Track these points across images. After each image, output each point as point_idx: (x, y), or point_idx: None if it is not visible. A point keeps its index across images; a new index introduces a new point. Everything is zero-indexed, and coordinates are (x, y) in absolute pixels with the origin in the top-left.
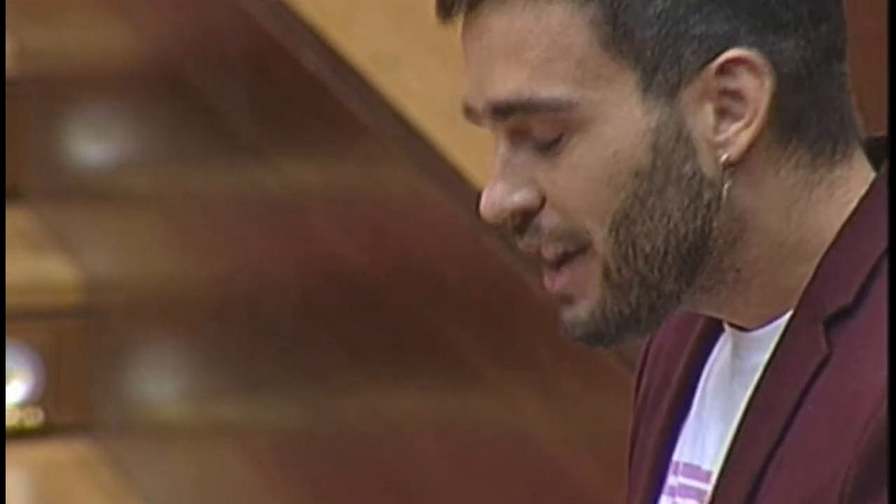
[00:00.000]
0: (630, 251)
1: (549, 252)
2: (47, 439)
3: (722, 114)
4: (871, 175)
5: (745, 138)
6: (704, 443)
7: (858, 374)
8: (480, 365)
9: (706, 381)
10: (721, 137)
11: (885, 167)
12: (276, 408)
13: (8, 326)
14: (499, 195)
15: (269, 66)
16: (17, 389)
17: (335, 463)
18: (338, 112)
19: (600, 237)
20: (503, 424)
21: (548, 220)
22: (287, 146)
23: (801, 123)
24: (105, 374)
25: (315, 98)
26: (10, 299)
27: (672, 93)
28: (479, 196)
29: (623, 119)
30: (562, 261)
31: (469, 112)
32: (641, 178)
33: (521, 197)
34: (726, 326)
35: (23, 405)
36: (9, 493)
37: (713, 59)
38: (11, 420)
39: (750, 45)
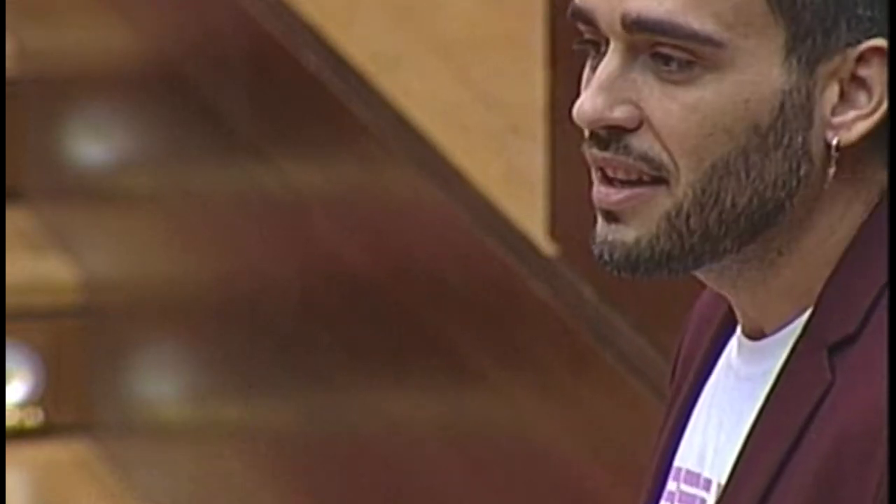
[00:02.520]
0: (711, 201)
1: (625, 172)
2: (47, 439)
3: (843, 97)
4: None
5: (861, 128)
6: (704, 450)
7: (863, 404)
8: (480, 365)
9: (711, 388)
10: (838, 120)
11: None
12: (276, 408)
13: (8, 326)
14: (601, 105)
15: (269, 66)
16: (17, 389)
17: (335, 463)
18: (338, 112)
19: (689, 179)
20: (503, 424)
21: (640, 142)
22: (287, 146)
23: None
24: (105, 374)
25: (315, 98)
26: (10, 299)
27: (813, 63)
28: (479, 196)
29: (761, 72)
30: (633, 182)
31: (581, 13)
32: (757, 133)
33: (622, 113)
34: (738, 331)
35: (23, 405)
36: (9, 493)
37: (861, 41)
38: (11, 420)
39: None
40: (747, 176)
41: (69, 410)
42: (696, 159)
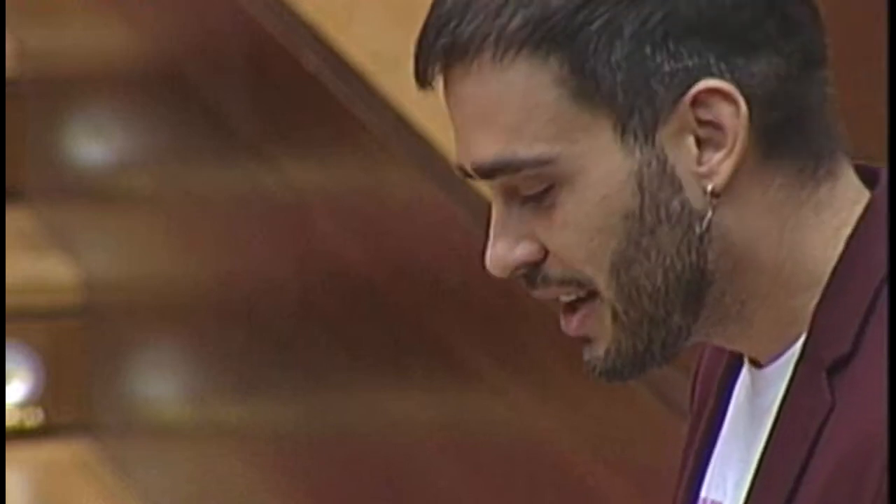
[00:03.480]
0: (633, 292)
1: (563, 297)
2: (47, 439)
3: (703, 144)
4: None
5: (727, 167)
6: (725, 480)
7: (859, 426)
8: (480, 365)
9: (731, 416)
10: (704, 168)
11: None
12: (275, 408)
13: (8, 326)
14: (501, 252)
15: (269, 66)
16: (17, 389)
17: (335, 463)
18: (338, 112)
19: (603, 283)
20: (503, 424)
21: (553, 269)
22: (287, 146)
23: (783, 141)
24: (105, 374)
25: (315, 98)
26: (10, 299)
27: (650, 132)
28: (479, 196)
29: (605, 166)
30: (575, 306)
31: (462, 170)
32: (632, 220)
33: (522, 251)
34: (745, 362)
35: (23, 405)
36: (9, 493)
37: (685, 92)
38: (11, 420)
39: (721, 73)
40: (648, 258)
41: (69, 410)
42: (597, 264)
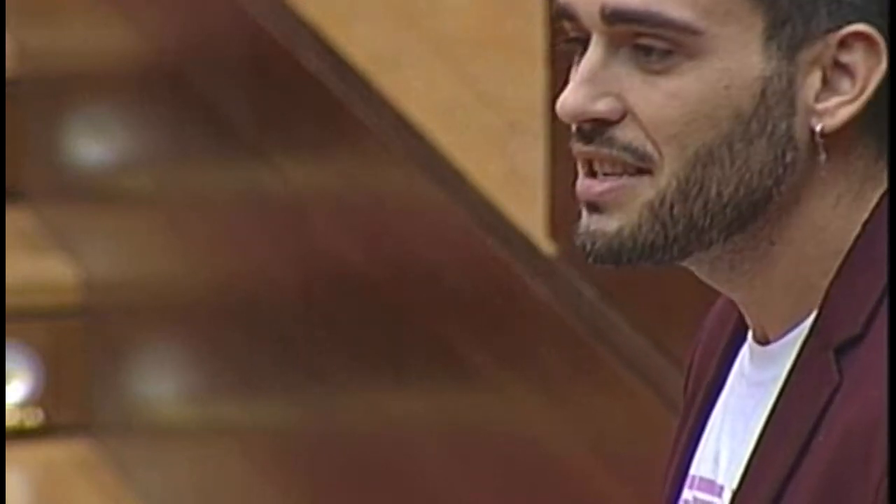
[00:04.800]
0: (695, 190)
1: (610, 164)
2: (47, 439)
3: (826, 84)
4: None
5: (845, 113)
6: (718, 456)
7: (866, 403)
8: (481, 365)
9: (725, 394)
10: (821, 106)
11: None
12: (276, 408)
13: (8, 326)
14: (583, 98)
15: (269, 66)
16: (17, 389)
17: (335, 463)
18: (338, 112)
19: (672, 168)
20: (504, 424)
21: (623, 133)
22: (287, 146)
23: (881, 117)
24: (105, 374)
25: (315, 98)
26: (10, 299)
27: (794, 49)
28: (479, 196)
29: (741, 59)
30: (617, 174)
31: (564, 11)
32: (739, 121)
33: (604, 105)
34: (749, 337)
35: (23, 405)
36: (9, 493)
37: (842, 26)
38: (11, 420)
39: (879, 26)
40: (732, 164)
41: (69, 410)
42: (679, 147)
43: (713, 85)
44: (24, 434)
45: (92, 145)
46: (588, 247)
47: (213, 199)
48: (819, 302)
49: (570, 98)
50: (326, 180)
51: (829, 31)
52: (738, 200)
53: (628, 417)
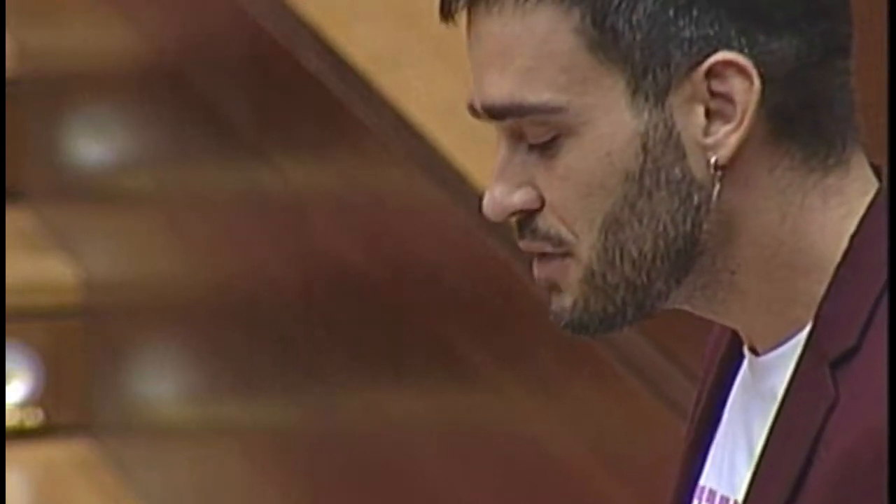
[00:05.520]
0: (617, 256)
1: (541, 252)
2: (47, 439)
3: (712, 115)
4: (869, 186)
5: (734, 140)
6: (721, 468)
7: (863, 418)
8: (480, 365)
9: (730, 404)
10: (711, 140)
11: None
12: (275, 408)
13: (8, 326)
14: (499, 195)
15: (269, 66)
16: (17, 389)
17: (335, 463)
18: (338, 112)
19: (588, 242)
20: (503, 424)
21: (544, 221)
22: (287, 146)
23: (794, 124)
24: (105, 374)
25: (315, 98)
26: (10, 299)
27: (661, 95)
28: (479, 196)
29: (612, 122)
30: (549, 259)
31: (472, 110)
32: (631, 181)
33: (519, 197)
34: (745, 349)
35: (23, 405)
36: (9, 493)
37: (702, 61)
38: (11, 420)
39: (740, 47)
40: (640, 222)
41: (69, 410)
42: (587, 222)
43: (595, 155)
44: (24, 434)
45: (92, 145)
46: (560, 324)
47: (213, 199)
48: (808, 314)
49: (490, 197)
50: (326, 180)
51: (692, 68)
52: (663, 252)
53: (628, 417)
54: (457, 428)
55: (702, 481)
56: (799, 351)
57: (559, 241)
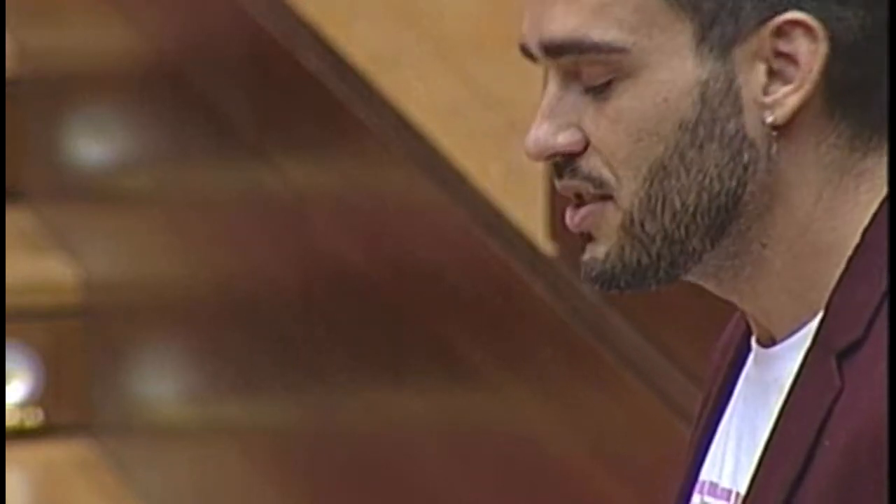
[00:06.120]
0: (659, 205)
1: (577, 195)
2: (47, 439)
3: (773, 75)
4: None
5: (793, 102)
6: (724, 460)
7: (868, 407)
8: (481, 365)
9: (734, 399)
10: (769, 99)
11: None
12: (276, 408)
13: (8, 326)
14: (543, 134)
15: (269, 66)
16: (17, 389)
17: (335, 463)
18: (338, 112)
19: (631, 188)
20: (503, 424)
21: (587, 163)
22: (287, 146)
23: (848, 98)
24: (105, 374)
25: (315, 98)
26: (10, 299)
27: (726, 48)
28: (479, 196)
29: (674, 69)
30: (587, 201)
31: (524, 50)
32: (685, 130)
33: (564, 138)
34: (753, 342)
35: (23, 405)
36: (9, 493)
37: (772, 17)
38: (11, 420)
39: (810, 10)
40: (687, 173)
41: (69, 410)
42: (633, 168)
43: (652, 100)
44: (24, 434)
45: (92, 145)
46: (590, 275)
47: (213, 199)
48: (822, 299)
49: (533, 136)
50: (326, 180)
51: (761, 23)
52: (705, 206)
53: (628, 417)
54: (457, 428)
55: (703, 475)
56: (808, 342)
57: (600, 183)
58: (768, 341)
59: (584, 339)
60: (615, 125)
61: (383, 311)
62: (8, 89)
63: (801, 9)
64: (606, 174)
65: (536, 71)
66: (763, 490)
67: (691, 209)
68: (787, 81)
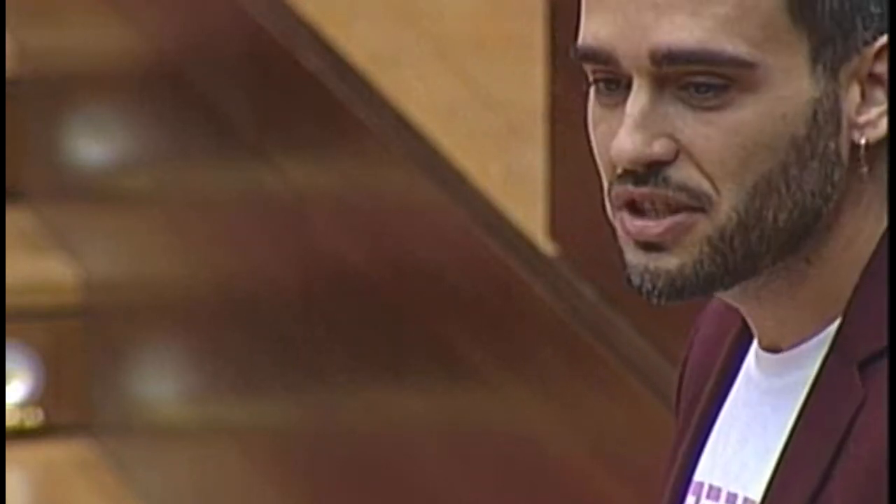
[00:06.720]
0: (754, 220)
1: (664, 204)
2: (47, 439)
3: (864, 97)
4: None
5: (886, 123)
6: (728, 464)
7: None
8: (481, 365)
9: (731, 402)
10: (863, 119)
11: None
12: (276, 408)
13: (8, 326)
14: (639, 145)
15: (269, 66)
16: (17, 389)
17: (335, 463)
18: (338, 112)
19: (732, 202)
20: (503, 424)
21: (678, 172)
22: (287, 146)
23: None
24: (105, 374)
25: (315, 98)
26: (10, 299)
27: (837, 66)
28: (479, 196)
29: (792, 86)
30: (673, 210)
31: (597, 54)
32: (795, 146)
33: (660, 147)
34: (755, 344)
35: (23, 405)
36: (9, 493)
37: (877, 38)
38: (11, 420)
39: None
40: (788, 189)
41: (69, 410)
42: (739, 181)
43: (771, 115)
44: (24, 434)
45: (92, 145)
46: (649, 286)
47: (213, 199)
48: (838, 308)
49: (628, 143)
50: (326, 180)
51: (865, 44)
52: (793, 224)
53: (628, 417)
54: (457, 428)
55: (697, 476)
56: (824, 350)
57: (697, 194)
58: (773, 346)
59: (584, 339)
60: (731, 137)
61: (383, 311)
62: (8, 89)
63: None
64: (706, 185)
65: (536, 71)
66: (783, 494)
67: (780, 226)
68: (874, 103)
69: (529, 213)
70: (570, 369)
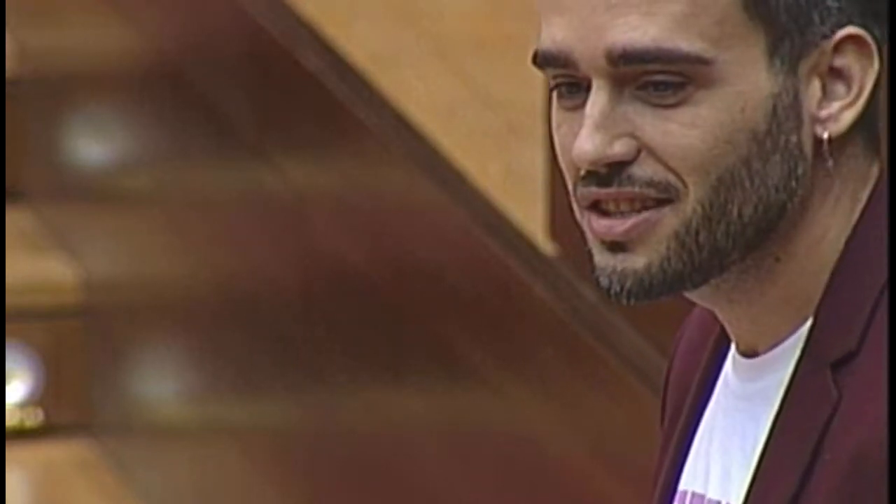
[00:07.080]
0: (718, 214)
1: (629, 202)
2: (47, 439)
3: (825, 90)
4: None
5: (848, 117)
6: (709, 471)
7: (868, 417)
8: (480, 365)
9: (711, 409)
10: (825, 113)
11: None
12: (276, 408)
13: (8, 326)
14: (600, 145)
15: (269, 66)
16: (17, 389)
17: (335, 463)
18: (338, 112)
19: (697, 195)
20: (503, 424)
21: (642, 170)
22: (287, 146)
23: (873, 113)
24: (105, 374)
25: (315, 98)
26: (10, 299)
27: (794, 61)
28: (479, 196)
29: (750, 81)
30: (639, 209)
31: (555, 58)
32: (756, 140)
33: (621, 146)
34: (732, 349)
35: (23, 405)
36: (9, 493)
37: (834, 32)
38: (11, 420)
39: (862, 26)
40: (751, 184)
41: (69, 410)
42: (703, 174)
43: (729, 110)
44: (24, 434)
45: (92, 145)
46: (618, 288)
47: (213, 199)
48: (810, 308)
49: (588, 144)
50: (326, 180)
51: (824, 37)
52: (758, 219)
53: (628, 417)
54: (457, 428)
55: (682, 485)
56: (796, 353)
57: (666, 187)
58: (749, 350)
59: (584, 339)
60: (690, 131)
61: (383, 311)
62: (8, 89)
63: (854, 24)
64: (672, 178)
65: (536, 71)
66: (761, 499)
67: (745, 221)
68: (836, 97)
69: (529, 213)
70: (570, 369)
